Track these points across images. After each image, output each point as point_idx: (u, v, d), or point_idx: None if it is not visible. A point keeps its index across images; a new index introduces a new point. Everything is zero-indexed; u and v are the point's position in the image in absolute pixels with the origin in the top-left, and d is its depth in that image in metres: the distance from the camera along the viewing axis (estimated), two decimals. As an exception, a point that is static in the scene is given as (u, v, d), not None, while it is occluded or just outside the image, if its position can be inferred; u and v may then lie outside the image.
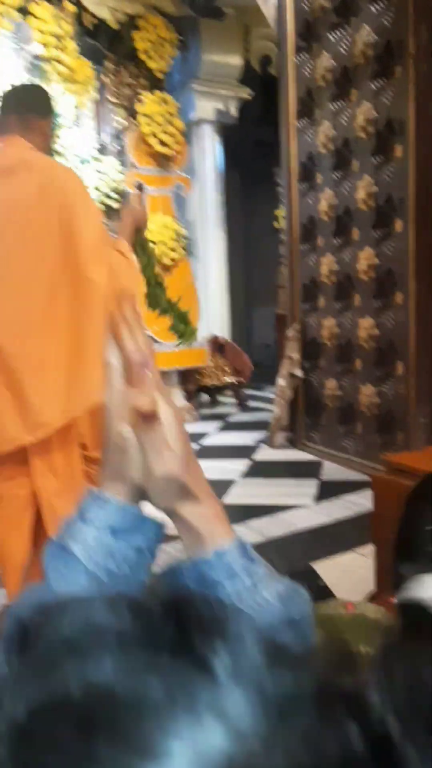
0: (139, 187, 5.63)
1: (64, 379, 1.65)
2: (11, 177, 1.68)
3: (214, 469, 4.14)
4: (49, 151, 1.91)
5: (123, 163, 6.14)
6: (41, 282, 1.65)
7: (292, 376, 4.51)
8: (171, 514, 0.53)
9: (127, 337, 0.53)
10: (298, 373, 4.49)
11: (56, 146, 6.09)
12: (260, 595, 0.49)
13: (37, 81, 5.49)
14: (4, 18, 4.63)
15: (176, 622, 0.24)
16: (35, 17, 4.79)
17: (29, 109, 1.84)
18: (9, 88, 1.94)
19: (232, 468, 4.13)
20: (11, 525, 1.72)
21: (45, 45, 4.89)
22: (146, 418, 0.51)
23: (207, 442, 4.99)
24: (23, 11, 4.77)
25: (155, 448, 0.51)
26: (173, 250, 5.70)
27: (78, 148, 6.11)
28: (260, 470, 4.11)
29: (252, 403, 6.45)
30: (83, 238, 1.65)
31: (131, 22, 5.32)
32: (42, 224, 1.65)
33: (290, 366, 4.50)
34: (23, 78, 5.66)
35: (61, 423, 1.66)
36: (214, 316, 6.83)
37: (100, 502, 0.52)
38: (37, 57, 5.24)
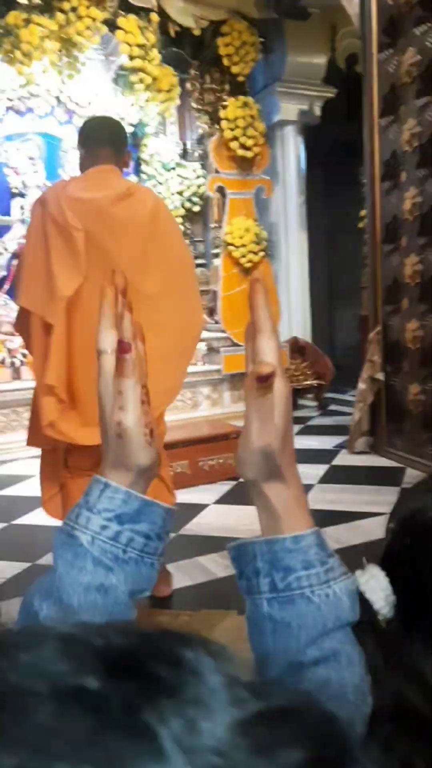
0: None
1: (165, 374, 1.95)
2: (127, 200, 2.06)
3: (291, 473, 4.11)
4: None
5: (205, 168, 6.22)
6: (158, 291, 2.05)
7: (374, 379, 4.40)
8: (255, 488, 0.53)
9: (264, 327, 0.52)
10: (380, 376, 4.38)
11: (142, 154, 6.26)
12: (331, 588, 0.48)
13: (122, 90, 5.67)
14: (92, 32, 4.79)
15: (128, 680, 0.21)
16: (122, 30, 4.93)
17: (119, 142, 2.18)
18: (93, 121, 2.33)
19: (309, 473, 4.08)
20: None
21: (131, 56, 5.03)
22: (262, 385, 0.50)
23: (285, 445, 4.95)
24: (110, 24, 4.92)
25: (261, 418, 0.51)
26: (253, 252, 5.70)
27: (162, 154, 6.25)
28: (339, 476, 4.04)
29: (333, 407, 6.35)
30: (175, 251, 2.15)
31: (214, 28, 5.37)
32: (151, 238, 2.06)
33: (371, 369, 4.40)
34: (110, 88, 5.87)
35: (159, 411, 2.08)
36: (295, 318, 6.78)
37: (105, 490, 0.52)
38: (122, 68, 5.41)
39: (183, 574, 2.64)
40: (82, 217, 1.97)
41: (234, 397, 5.95)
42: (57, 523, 3.24)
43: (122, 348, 0.52)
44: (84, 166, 2.13)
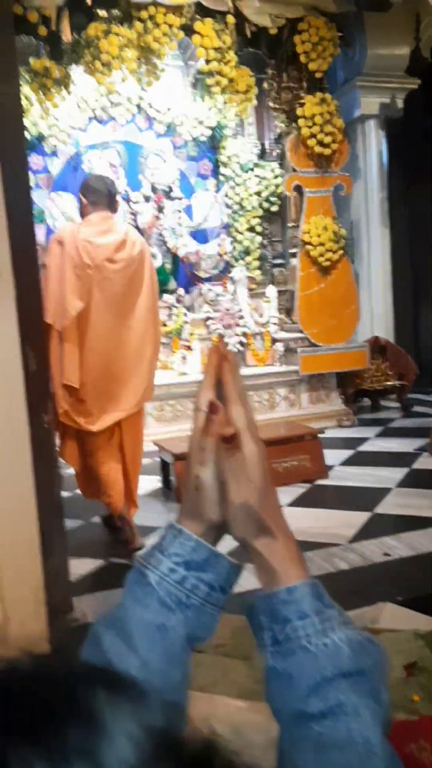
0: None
1: (140, 381, 2.90)
2: (125, 245, 2.84)
3: (368, 476, 4.01)
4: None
5: (283, 167, 6.18)
6: (142, 311, 2.88)
7: (457, 380, 4.22)
8: (247, 546, 0.56)
9: (231, 396, 0.57)
10: (464, 377, 4.19)
11: (220, 156, 6.30)
12: (329, 638, 0.49)
13: (200, 94, 5.73)
14: (169, 38, 4.87)
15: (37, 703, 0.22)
16: (198, 34, 4.98)
17: (113, 194, 3.00)
18: (94, 178, 3.17)
19: (387, 476, 3.97)
20: (113, 460, 2.89)
21: (207, 59, 5.07)
22: (228, 445, 0.54)
23: (364, 447, 4.83)
24: (187, 29, 4.98)
25: (235, 477, 0.54)
26: (332, 251, 5.60)
27: (240, 155, 6.26)
28: (418, 480, 3.90)
29: (417, 408, 6.13)
30: (151, 279, 2.95)
31: (291, 26, 5.32)
32: (139, 271, 2.87)
33: (455, 370, 4.21)
34: (189, 92, 5.94)
35: (136, 409, 2.93)
36: (377, 317, 6.61)
37: (178, 536, 0.55)
38: (199, 71, 5.46)
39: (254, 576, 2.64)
40: (94, 257, 2.72)
41: (312, 398, 5.87)
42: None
43: (212, 408, 0.56)
44: (84, 212, 2.93)
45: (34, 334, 2.18)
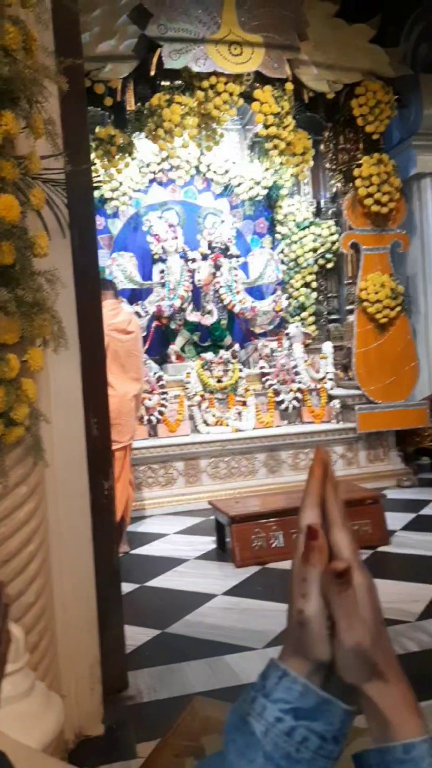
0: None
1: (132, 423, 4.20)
2: (129, 323, 4.21)
3: (430, 543, 3.82)
4: None
5: (339, 225, 6.21)
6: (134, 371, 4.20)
7: None
8: (357, 692, 0.50)
9: (336, 519, 0.52)
10: None
11: (276, 216, 6.39)
12: None
13: (258, 156, 5.86)
14: (228, 105, 5.02)
15: None
16: (257, 101, 5.12)
17: (116, 289, 4.59)
18: (105, 280, 4.48)
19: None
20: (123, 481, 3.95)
21: (266, 124, 5.19)
22: (339, 581, 0.49)
23: (426, 511, 4.63)
24: (246, 96, 5.13)
25: (346, 616, 0.49)
26: (389, 308, 5.54)
27: (296, 214, 6.33)
28: None
29: None
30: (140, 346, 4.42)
31: (349, 90, 5.42)
32: (135, 341, 4.25)
33: None
34: (245, 155, 6.09)
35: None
36: (436, 374, 6.43)
37: (283, 678, 0.49)
38: (257, 135, 5.60)
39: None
40: (112, 334, 3.83)
41: (370, 457, 5.71)
42: (187, 588, 3.23)
43: (310, 534, 0.51)
44: (105, 298, 3.51)
45: (97, 400, 2.18)
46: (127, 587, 3.15)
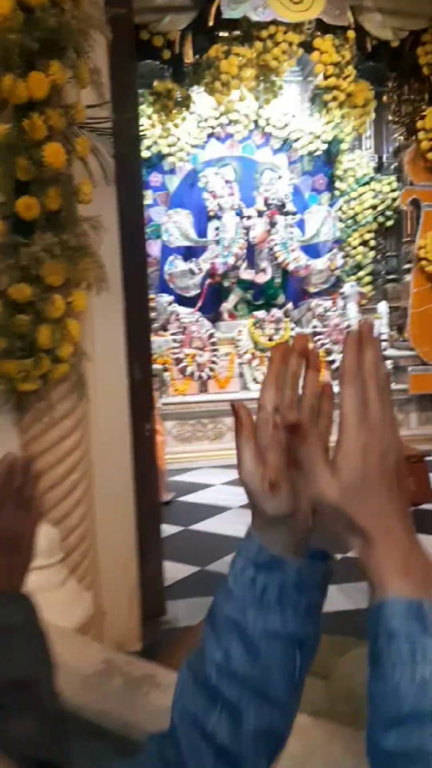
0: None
1: None
2: None
3: None
4: None
5: (400, 180, 6.03)
6: None
7: None
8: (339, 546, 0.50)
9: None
10: None
11: (336, 171, 6.27)
12: (419, 672, 0.41)
13: (317, 109, 5.74)
14: (288, 55, 4.92)
15: None
16: (318, 50, 5.00)
17: None
18: None
19: None
20: None
21: (326, 75, 5.06)
22: (294, 434, 0.48)
23: None
24: (306, 46, 5.01)
25: (306, 467, 0.48)
26: (450, 267, 5.40)
27: (356, 169, 6.19)
28: None
29: None
30: None
31: (414, 38, 5.20)
32: None
33: None
34: (306, 108, 5.97)
35: None
36: None
37: (250, 536, 0.55)
38: (317, 87, 5.47)
39: (347, 597, 2.59)
40: None
41: (422, 419, 5.66)
42: (228, 533, 3.36)
43: (234, 411, 0.53)
44: None
45: (140, 344, 2.28)
46: (171, 529, 3.31)
